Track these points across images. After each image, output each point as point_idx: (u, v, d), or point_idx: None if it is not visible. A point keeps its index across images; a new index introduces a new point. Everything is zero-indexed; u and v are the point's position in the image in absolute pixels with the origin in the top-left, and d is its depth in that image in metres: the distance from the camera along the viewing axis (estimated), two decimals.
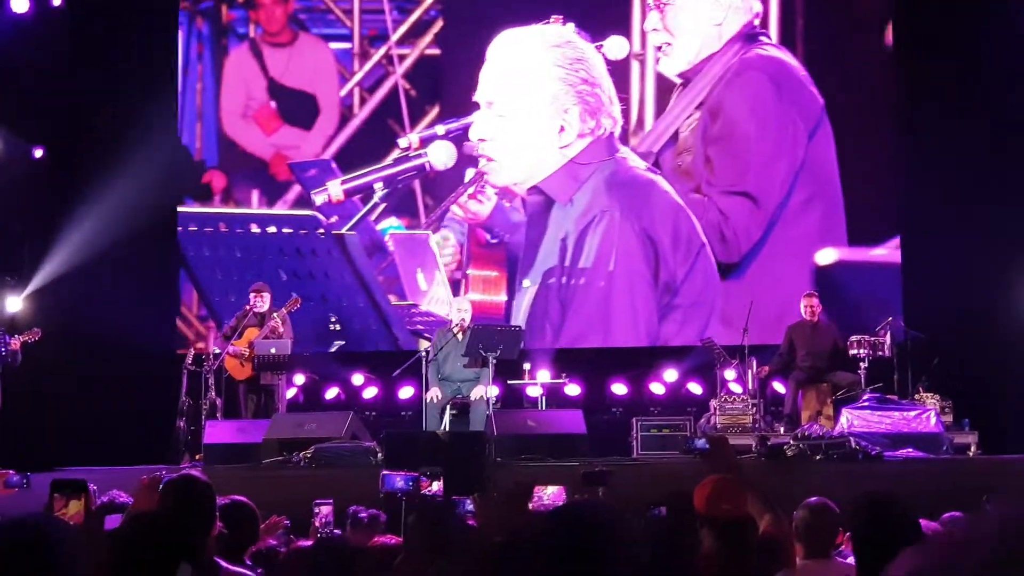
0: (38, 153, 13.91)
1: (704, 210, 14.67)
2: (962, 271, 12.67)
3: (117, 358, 13.20)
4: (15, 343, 11.72)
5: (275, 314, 11.93)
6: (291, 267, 14.96)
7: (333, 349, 14.46)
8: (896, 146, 13.89)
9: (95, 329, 13.16)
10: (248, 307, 12.16)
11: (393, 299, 14.94)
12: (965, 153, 12.79)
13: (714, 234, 14.57)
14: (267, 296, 12.20)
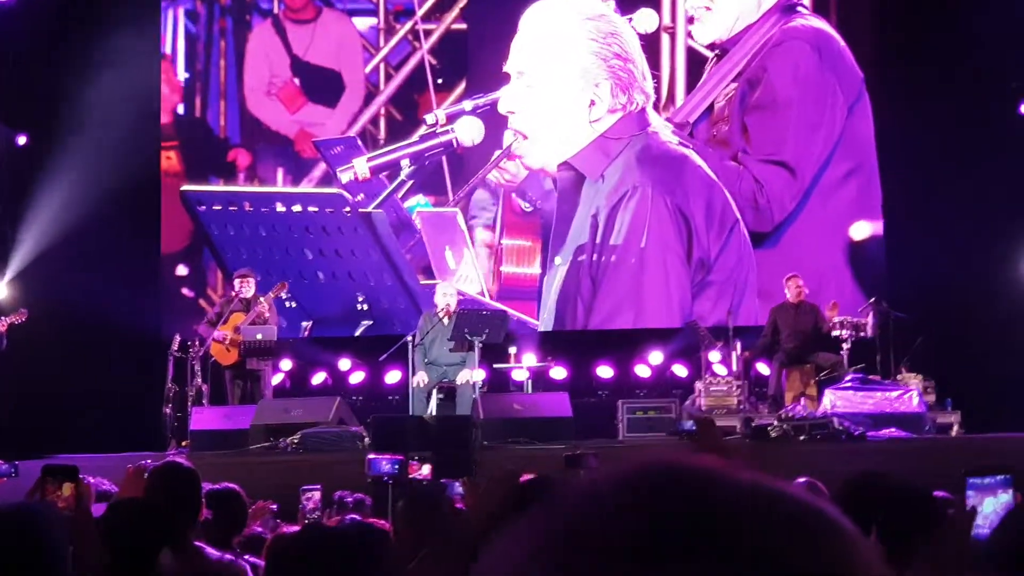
0: (21, 140, 13.88)
1: (739, 179, 14.52)
2: (945, 251, 12.72)
3: (103, 345, 13.20)
4: (1, 326, 11.73)
5: (261, 299, 11.93)
6: (317, 245, 14.95)
7: (359, 332, 14.41)
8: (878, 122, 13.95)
9: (81, 315, 13.15)
10: (234, 293, 12.16)
11: (421, 278, 14.84)
12: (946, 132, 12.84)
13: (747, 203, 14.42)
14: (252, 281, 12.20)
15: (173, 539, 3.20)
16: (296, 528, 4.93)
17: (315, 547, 2.79)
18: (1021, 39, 12.70)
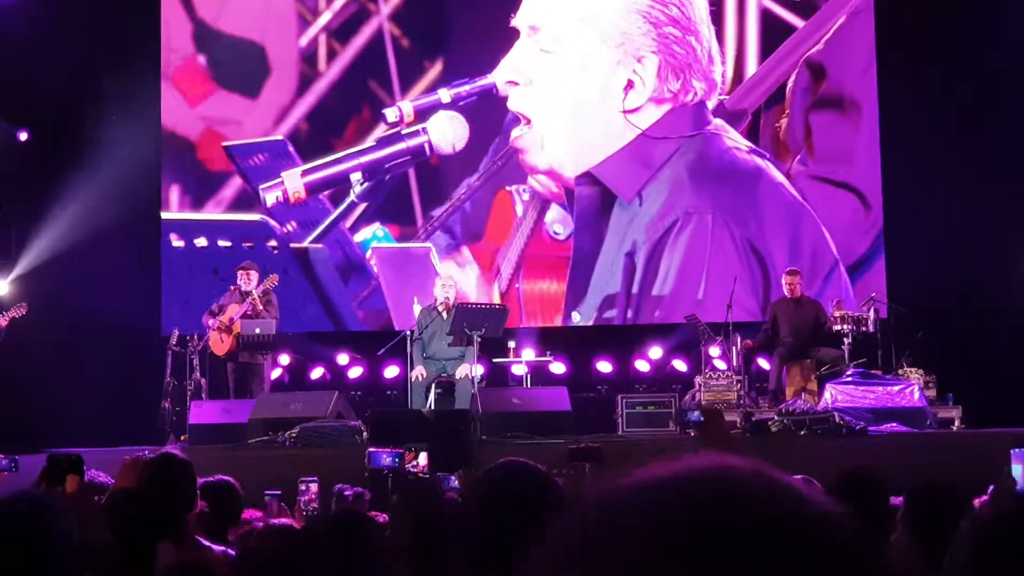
0: (23, 136, 13.84)
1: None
2: (946, 245, 12.70)
3: (102, 339, 13.17)
4: (2, 320, 11.72)
5: (254, 292, 11.85)
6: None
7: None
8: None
9: (79, 310, 13.12)
10: (233, 287, 12.12)
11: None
12: (946, 124, 12.80)
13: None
14: (254, 274, 12.14)
15: (169, 530, 3.18)
16: (289, 521, 4.91)
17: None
18: None
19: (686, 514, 0.85)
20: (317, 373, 13.62)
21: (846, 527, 0.88)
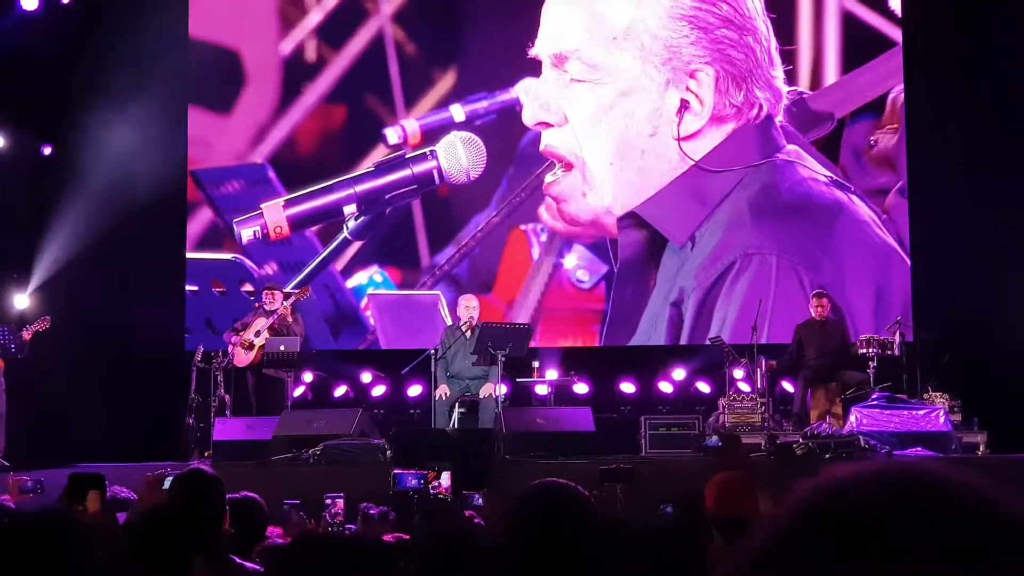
0: (47, 150, 13.92)
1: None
2: (972, 270, 12.65)
3: (126, 355, 13.21)
4: (26, 334, 11.78)
5: (284, 303, 11.83)
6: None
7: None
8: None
9: (103, 325, 13.17)
10: (258, 304, 12.14)
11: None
12: (975, 149, 12.75)
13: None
14: (278, 295, 12.14)
15: (202, 546, 3.19)
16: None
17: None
18: None
19: (913, 506, 0.88)
20: (340, 391, 13.62)
21: None
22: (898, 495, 0.89)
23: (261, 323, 11.79)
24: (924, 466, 0.94)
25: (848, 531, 0.87)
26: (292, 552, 2.87)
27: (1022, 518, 0.90)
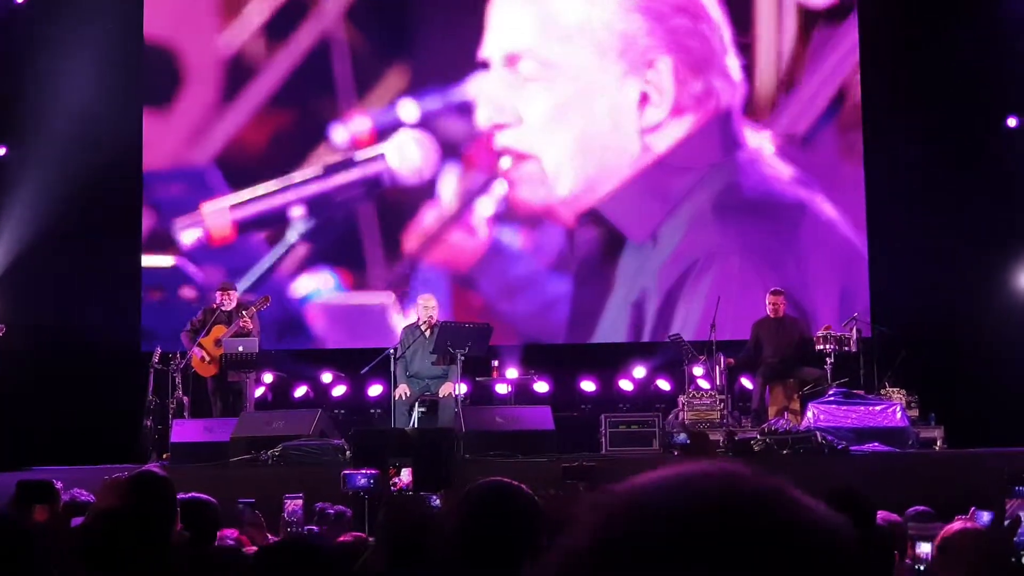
0: (0, 151, 13.79)
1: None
2: (928, 266, 12.77)
3: (82, 357, 13.11)
4: None
5: (244, 312, 11.85)
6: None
7: None
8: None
9: (58, 327, 13.08)
10: (215, 304, 12.08)
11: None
12: (931, 146, 12.86)
13: None
14: (234, 295, 12.11)
15: (152, 547, 3.17)
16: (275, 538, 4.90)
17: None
18: (1007, 54, 12.74)
19: (692, 514, 0.87)
20: (300, 391, 13.58)
21: (848, 536, 0.91)
22: (697, 506, 0.87)
23: (221, 332, 11.75)
24: (718, 473, 0.92)
25: (647, 545, 0.86)
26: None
27: (826, 522, 0.89)
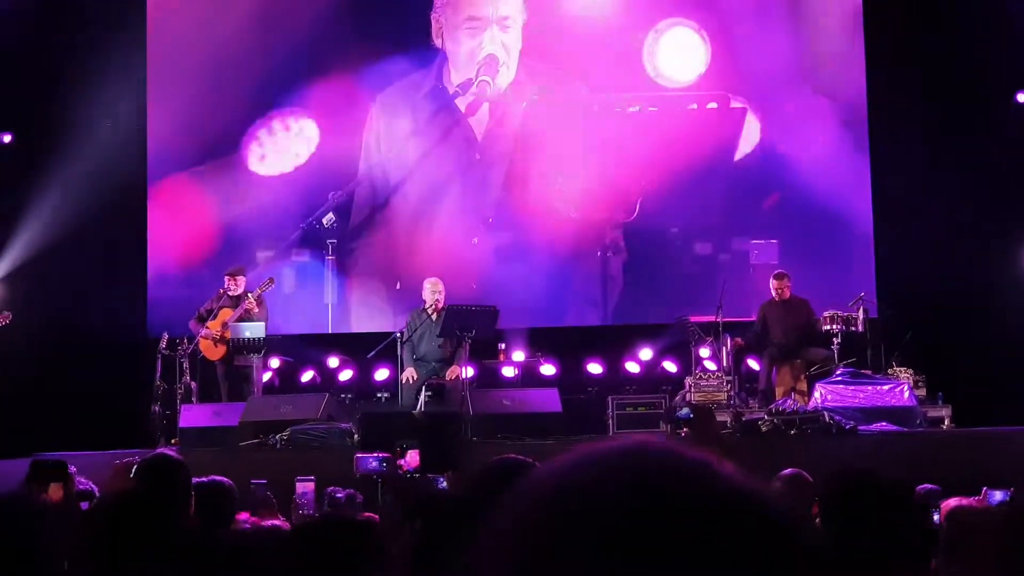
0: (6, 139, 13.80)
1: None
2: (936, 245, 12.73)
3: (91, 343, 13.13)
4: None
5: (249, 295, 11.86)
6: None
7: None
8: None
9: (67, 313, 13.10)
10: (222, 290, 12.10)
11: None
12: (937, 126, 12.83)
13: None
14: (242, 280, 12.13)
15: (165, 531, 3.17)
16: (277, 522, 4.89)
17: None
18: (1012, 35, 12.70)
19: (594, 492, 0.86)
20: (307, 376, 13.60)
21: (767, 505, 0.89)
22: (613, 481, 0.86)
23: (227, 315, 11.78)
24: (645, 448, 0.91)
25: (566, 524, 0.85)
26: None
27: (754, 496, 0.88)
